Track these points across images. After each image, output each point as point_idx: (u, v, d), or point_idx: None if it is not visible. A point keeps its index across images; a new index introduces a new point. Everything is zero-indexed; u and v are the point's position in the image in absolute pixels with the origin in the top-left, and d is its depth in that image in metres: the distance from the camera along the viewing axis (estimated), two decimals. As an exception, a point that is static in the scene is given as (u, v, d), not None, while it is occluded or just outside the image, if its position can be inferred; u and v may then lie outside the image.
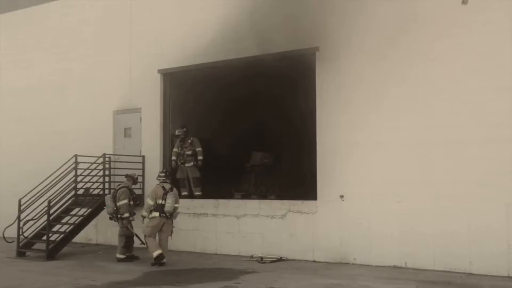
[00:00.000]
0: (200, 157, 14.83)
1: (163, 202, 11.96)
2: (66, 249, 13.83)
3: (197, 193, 14.77)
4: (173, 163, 14.93)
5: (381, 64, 11.88)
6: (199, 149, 14.91)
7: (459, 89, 10.98)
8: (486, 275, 10.34)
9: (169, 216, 12.02)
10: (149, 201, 12.08)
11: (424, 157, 11.25)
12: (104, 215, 13.70)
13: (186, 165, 14.83)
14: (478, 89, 10.78)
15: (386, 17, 11.91)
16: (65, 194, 14.16)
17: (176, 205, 12.14)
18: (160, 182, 12.35)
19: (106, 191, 14.33)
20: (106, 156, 14.75)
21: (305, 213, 12.63)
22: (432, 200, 11.08)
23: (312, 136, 12.80)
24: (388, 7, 11.91)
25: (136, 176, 13.61)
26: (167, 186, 12.24)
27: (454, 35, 11.09)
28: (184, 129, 14.93)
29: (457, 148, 10.90)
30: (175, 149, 14.97)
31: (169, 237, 12.18)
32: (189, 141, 14.89)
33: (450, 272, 10.72)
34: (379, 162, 11.76)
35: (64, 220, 14.16)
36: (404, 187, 11.42)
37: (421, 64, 11.41)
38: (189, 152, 14.83)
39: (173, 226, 12.22)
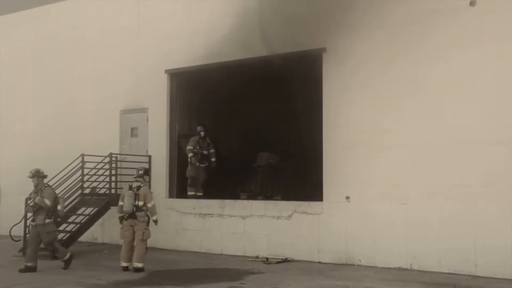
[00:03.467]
0: (213, 159, 14.96)
1: (122, 202, 11.46)
2: (72, 248, 13.84)
3: (199, 194, 14.80)
4: (193, 159, 14.82)
5: (388, 65, 11.86)
6: (212, 150, 15.04)
7: (466, 90, 10.94)
8: (491, 278, 10.30)
9: (127, 217, 11.35)
10: (119, 203, 11.60)
11: (430, 158, 11.22)
12: (110, 214, 13.75)
13: (201, 165, 14.86)
14: (485, 90, 10.74)
15: (393, 18, 11.89)
16: (72, 193, 14.22)
17: (143, 204, 11.36)
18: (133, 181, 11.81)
19: (113, 191, 14.38)
20: (113, 155, 14.79)
21: (310, 214, 12.62)
22: (438, 201, 11.04)
23: (319, 136, 12.79)
24: (396, 9, 11.88)
25: (33, 170, 12.11)
26: (135, 184, 11.59)
27: (462, 36, 11.06)
28: (205, 127, 15.04)
29: (463, 150, 10.86)
30: (190, 147, 14.80)
31: (141, 240, 11.33)
32: (208, 141, 14.98)
33: (455, 274, 10.67)
34: (385, 163, 11.74)
35: (70, 219, 14.21)
36: (410, 188, 11.39)
37: (428, 65, 11.38)
38: (206, 152, 14.89)
39: (146, 229, 11.36)
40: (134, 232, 11.44)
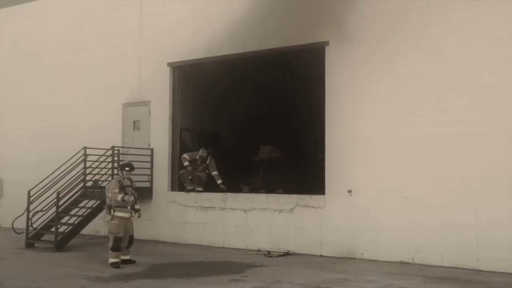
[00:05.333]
0: (219, 181, 14.58)
1: None
2: (74, 240, 13.90)
3: (198, 189, 14.57)
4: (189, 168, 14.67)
5: (392, 59, 11.82)
6: (215, 173, 14.65)
7: (469, 85, 10.92)
8: (494, 272, 10.31)
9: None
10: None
11: (433, 152, 11.21)
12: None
13: (189, 188, 14.65)
14: (488, 84, 10.72)
15: (397, 12, 11.84)
16: (74, 186, 14.24)
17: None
18: None
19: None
20: (115, 148, 14.80)
21: (313, 207, 12.62)
22: (440, 195, 11.04)
23: (321, 130, 12.78)
24: (399, 2, 11.84)
25: None
26: None
27: (464, 29, 11.01)
28: (209, 150, 14.73)
29: (465, 144, 10.85)
30: (187, 163, 14.56)
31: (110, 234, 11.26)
32: (206, 163, 14.64)
33: (457, 268, 10.68)
34: (387, 157, 11.73)
35: (72, 212, 14.24)
36: (413, 182, 11.39)
37: (432, 60, 11.34)
38: (201, 174, 14.56)
39: (108, 222, 11.29)
40: None
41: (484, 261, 10.51)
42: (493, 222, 10.48)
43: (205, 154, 14.66)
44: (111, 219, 11.13)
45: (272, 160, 15.62)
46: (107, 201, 11.32)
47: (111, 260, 11.06)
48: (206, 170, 14.70)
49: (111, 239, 11.11)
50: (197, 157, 14.65)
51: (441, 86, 11.20)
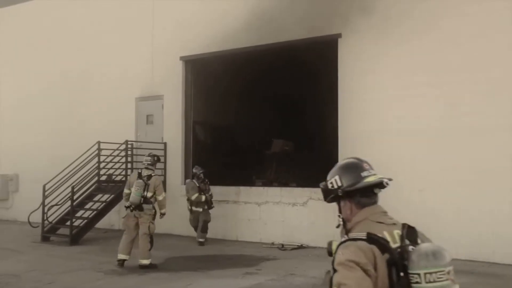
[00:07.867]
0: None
1: (128, 190, 10.41)
2: (89, 234, 14.01)
3: (200, 240, 13.10)
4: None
5: (404, 51, 11.74)
6: (211, 192, 13.31)
7: (483, 77, 10.80)
8: (510, 265, 10.23)
9: (133, 208, 10.26)
10: (125, 190, 10.57)
11: (447, 144, 11.13)
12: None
13: (199, 209, 13.17)
14: (503, 76, 10.61)
15: (410, 4, 11.75)
16: (88, 180, 14.34)
17: (152, 195, 10.30)
18: (143, 168, 10.67)
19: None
20: (129, 143, 14.86)
21: (326, 200, 12.56)
22: (455, 188, 10.96)
23: (334, 123, 12.73)
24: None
25: None
26: (146, 172, 10.50)
27: (478, 21, 10.91)
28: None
29: (480, 136, 10.75)
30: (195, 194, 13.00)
31: (146, 234, 10.25)
32: (207, 182, 13.24)
33: (472, 261, 10.59)
34: (401, 149, 11.65)
35: (87, 206, 14.34)
36: (427, 175, 11.31)
37: (445, 51, 11.25)
38: (208, 195, 13.18)
39: (151, 222, 10.27)
40: (137, 224, 10.36)
41: (499, 254, 10.43)
42: (509, 214, 10.39)
43: (202, 172, 13.12)
44: (153, 219, 10.36)
45: (285, 153, 15.61)
46: (132, 197, 10.21)
47: (148, 261, 10.30)
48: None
49: (148, 240, 10.27)
50: (199, 183, 13.09)
51: (455, 77, 11.09)
